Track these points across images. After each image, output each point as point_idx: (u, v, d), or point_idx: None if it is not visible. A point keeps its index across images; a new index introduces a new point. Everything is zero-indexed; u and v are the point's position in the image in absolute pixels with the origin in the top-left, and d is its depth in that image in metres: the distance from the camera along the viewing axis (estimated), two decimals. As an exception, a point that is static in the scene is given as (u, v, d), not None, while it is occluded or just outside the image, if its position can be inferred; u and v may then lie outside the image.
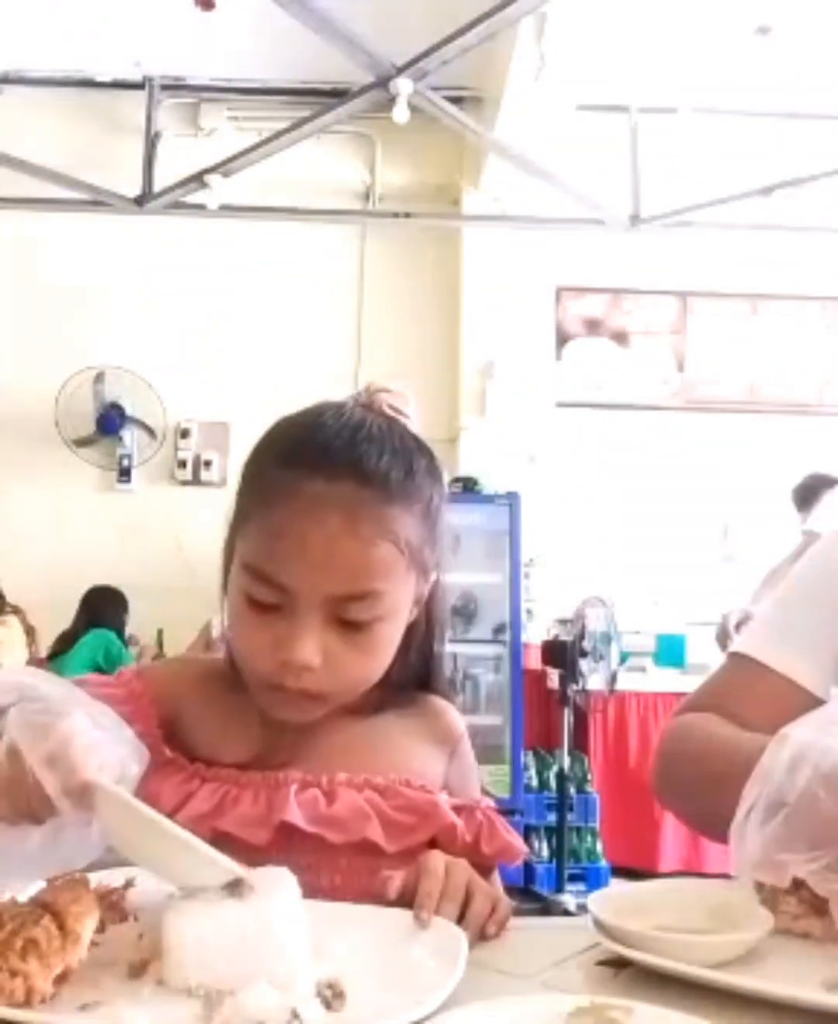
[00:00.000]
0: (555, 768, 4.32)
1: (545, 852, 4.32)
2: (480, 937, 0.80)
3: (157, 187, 5.15)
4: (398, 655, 0.95)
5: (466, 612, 4.91)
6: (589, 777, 4.43)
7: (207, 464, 5.41)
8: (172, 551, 5.04)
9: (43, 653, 4.67)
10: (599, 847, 4.29)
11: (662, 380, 5.67)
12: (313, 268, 5.61)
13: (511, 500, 4.78)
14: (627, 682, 4.44)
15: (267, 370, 5.45)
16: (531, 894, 4.08)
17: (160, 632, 5.14)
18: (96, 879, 0.72)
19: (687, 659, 4.87)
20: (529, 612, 4.95)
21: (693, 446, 5.49)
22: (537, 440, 5.38)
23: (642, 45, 4.77)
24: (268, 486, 0.89)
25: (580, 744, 4.47)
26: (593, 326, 5.69)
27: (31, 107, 5.41)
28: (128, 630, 4.97)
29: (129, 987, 0.64)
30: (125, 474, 5.48)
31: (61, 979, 0.62)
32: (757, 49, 4.85)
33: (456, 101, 4.70)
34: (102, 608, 4.90)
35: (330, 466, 0.86)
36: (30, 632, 4.49)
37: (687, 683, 4.37)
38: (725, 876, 0.90)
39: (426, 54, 3.70)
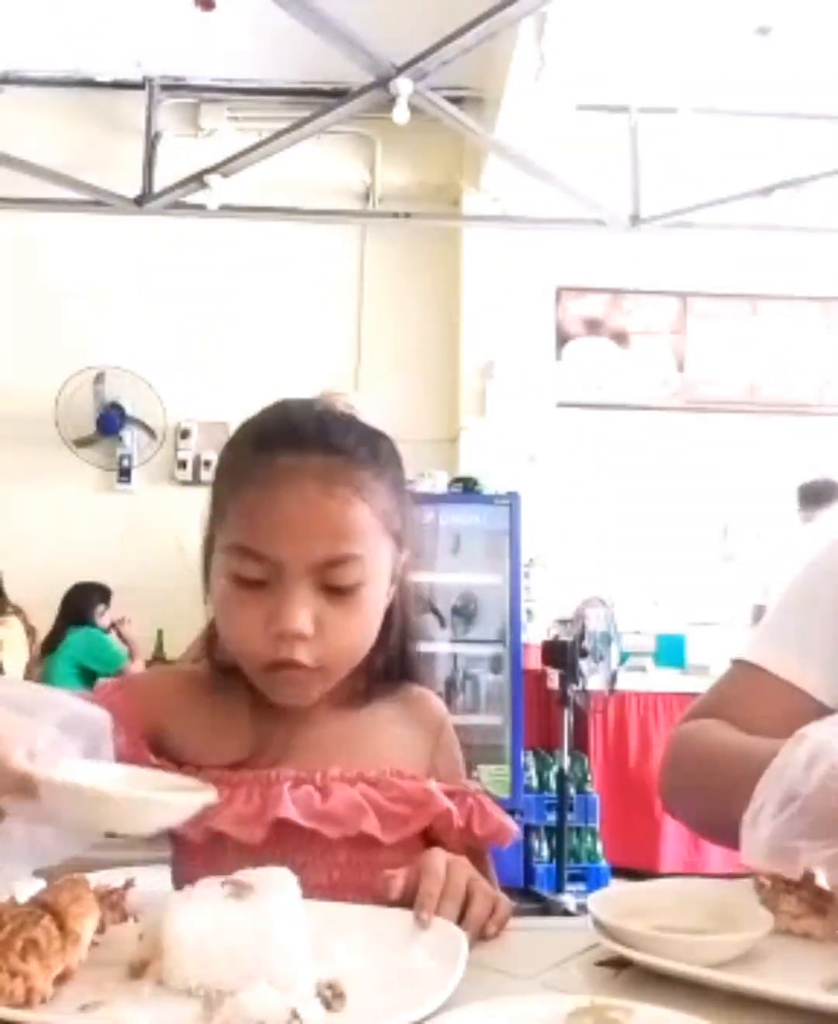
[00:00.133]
0: (555, 768, 4.32)
1: (545, 852, 4.32)
2: (480, 937, 0.80)
3: (157, 187, 5.15)
4: (379, 643, 0.97)
5: (466, 612, 4.91)
6: (589, 777, 4.43)
7: (207, 464, 5.40)
8: (172, 551, 5.03)
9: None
10: (599, 847, 4.29)
11: (662, 380, 5.67)
12: (313, 268, 5.61)
13: (511, 500, 4.77)
14: (627, 682, 4.44)
15: (267, 370, 5.45)
16: (531, 894, 4.08)
17: (160, 633, 5.14)
18: (96, 879, 0.72)
19: (687, 659, 4.87)
20: (529, 612, 4.94)
21: (693, 446, 5.49)
22: (537, 440, 5.38)
23: (642, 45, 4.77)
24: (242, 470, 0.92)
25: (580, 744, 4.47)
26: (593, 326, 5.69)
27: (31, 107, 5.41)
28: (106, 619, 4.91)
29: (129, 987, 0.64)
30: (125, 474, 5.48)
31: (61, 979, 0.62)
32: (757, 49, 4.84)
33: (456, 101, 4.70)
34: (79, 605, 4.87)
35: (300, 442, 0.92)
36: (31, 633, 4.49)
37: (687, 683, 4.38)
38: (726, 876, 0.90)
39: (426, 54, 3.70)
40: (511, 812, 4.75)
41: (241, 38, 5.00)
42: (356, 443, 0.93)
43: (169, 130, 5.55)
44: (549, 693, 4.38)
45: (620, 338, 5.69)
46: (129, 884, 0.74)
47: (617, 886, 0.84)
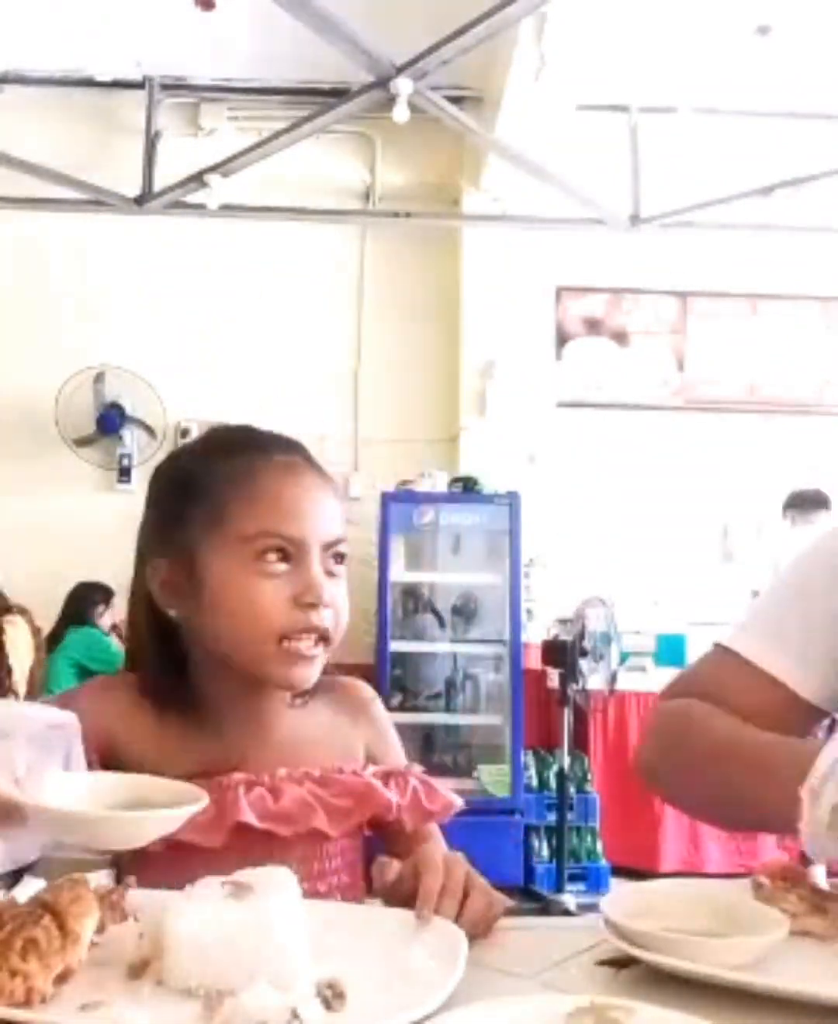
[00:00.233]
0: (555, 768, 4.32)
1: (545, 852, 4.32)
2: (471, 936, 0.79)
3: (157, 187, 5.15)
4: None
5: (466, 612, 4.91)
6: (589, 777, 4.43)
7: (207, 464, 5.40)
8: (172, 551, 5.02)
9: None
10: (599, 847, 4.29)
11: (662, 380, 5.66)
12: (313, 268, 5.61)
13: (511, 500, 4.77)
14: (627, 682, 4.44)
15: (267, 370, 5.45)
16: (531, 894, 4.08)
17: (160, 632, 5.13)
18: (96, 879, 0.72)
19: (687, 659, 4.86)
20: (529, 612, 4.94)
21: (693, 446, 5.49)
22: (537, 440, 5.38)
23: (642, 45, 4.77)
24: (244, 469, 1.00)
25: (580, 744, 4.47)
26: (593, 326, 5.69)
27: (31, 107, 5.40)
28: (106, 619, 4.90)
29: (129, 987, 0.65)
30: (125, 474, 5.47)
31: (61, 979, 0.62)
32: (757, 49, 4.84)
33: (456, 101, 4.69)
34: (80, 605, 4.87)
35: (282, 444, 1.05)
36: (36, 633, 4.47)
37: (687, 683, 4.38)
38: (725, 876, 0.90)
39: (426, 54, 3.69)
40: (511, 812, 4.74)
41: (241, 38, 5.00)
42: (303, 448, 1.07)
43: (169, 130, 5.55)
44: (549, 693, 4.38)
45: (620, 338, 5.69)
46: (129, 884, 0.74)
47: (627, 887, 0.84)
